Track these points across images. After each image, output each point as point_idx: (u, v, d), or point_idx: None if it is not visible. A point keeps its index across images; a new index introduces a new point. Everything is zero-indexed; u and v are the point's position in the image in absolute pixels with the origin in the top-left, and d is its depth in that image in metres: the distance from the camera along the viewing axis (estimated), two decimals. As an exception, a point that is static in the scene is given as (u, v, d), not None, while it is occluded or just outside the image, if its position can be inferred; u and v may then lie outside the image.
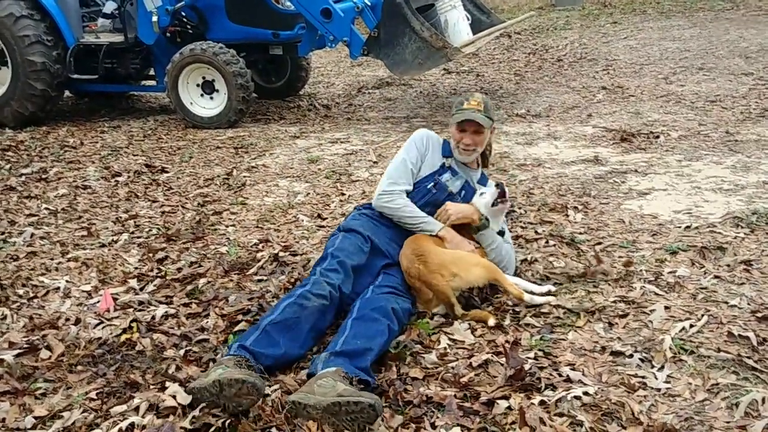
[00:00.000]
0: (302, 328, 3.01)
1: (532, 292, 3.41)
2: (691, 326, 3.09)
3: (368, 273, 3.41)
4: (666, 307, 3.27)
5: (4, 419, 2.73)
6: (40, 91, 8.09)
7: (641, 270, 3.69)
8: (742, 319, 3.12)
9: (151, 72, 9.21)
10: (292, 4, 7.96)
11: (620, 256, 3.89)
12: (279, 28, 8.23)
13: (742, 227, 4.18)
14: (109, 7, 8.71)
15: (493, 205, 3.59)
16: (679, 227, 4.25)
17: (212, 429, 2.52)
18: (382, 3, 7.19)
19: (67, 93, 9.51)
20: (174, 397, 2.72)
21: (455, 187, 3.70)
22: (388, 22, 7.11)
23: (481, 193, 3.67)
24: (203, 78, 7.88)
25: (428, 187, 3.67)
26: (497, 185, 3.62)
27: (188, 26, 8.27)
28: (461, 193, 3.72)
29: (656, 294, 3.43)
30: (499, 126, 7.30)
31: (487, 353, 2.96)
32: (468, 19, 8.12)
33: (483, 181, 3.90)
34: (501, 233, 3.64)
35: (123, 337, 3.26)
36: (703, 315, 3.18)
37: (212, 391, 2.56)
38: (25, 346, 3.24)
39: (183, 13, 8.20)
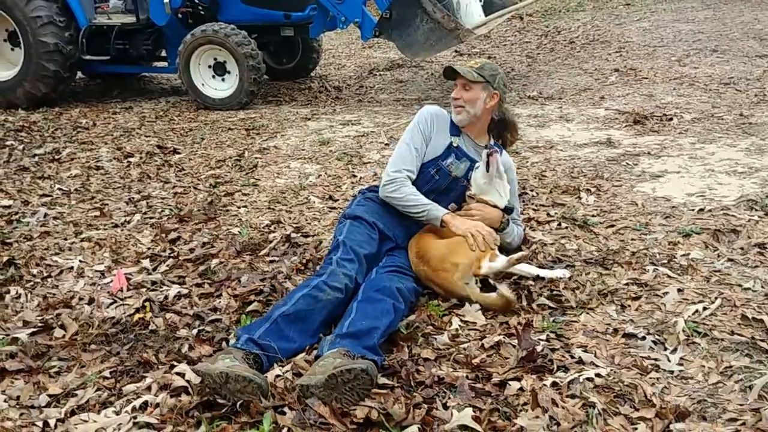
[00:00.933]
0: (314, 320, 2.97)
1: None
2: (705, 309, 3.08)
3: (377, 260, 3.40)
4: (679, 290, 3.26)
5: (18, 397, 2.75)
6: (52, 72, 8.10)
7: (654, 252, 3.67)
8: (756, 302, 3.11)
9: (163, 53, 9.20)
10: (304, -15, 7.94)
11: (633, 239, 3.88)
12: (290, 10, 8.20)
13: (756, 210, 4.15)
14: (122, -12, 8.72)
15: (487, 168, 3.46)
16: (693, 210, 4.23)
17: (224, 408, 2.54)
18: (394, -16, 7.16)
19: (79, 74, 9.52)
20: (182, 375, 2.74)
21: (460, 171, 3.59)
22: (400, 4, 7.07)
23: (477, 167, 3.55)
24: (215, 59, 7.87)
25: (431, 173, 3.58)
26: (486, 146, 3.54)
27: (200, 7, 8.26)
28: (468, 175, 3.60)
29: (669, 276, 3.41)
30: (511, 108, 7.25)
31: (499, 335, 2.96)
32: (480, 1, 8.07)
33: None
34: (509, 210, 3.59)
35: (136, 317, 3.27)
36: (716, 298, 3.16)
37: (217, 381, 2.55)
38: (40, 325, 3.26)
39: (195, -6, 8.19)
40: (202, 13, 8.27)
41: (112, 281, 3.71)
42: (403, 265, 3.36)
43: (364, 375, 2.52)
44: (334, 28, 8.38)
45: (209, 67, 7.93)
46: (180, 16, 8.27)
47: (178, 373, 2.76)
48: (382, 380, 2.68)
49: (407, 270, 3.35)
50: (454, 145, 3.60)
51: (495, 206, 3.53)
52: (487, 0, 8.52)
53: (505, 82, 3.67)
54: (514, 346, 2.87)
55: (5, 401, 2.72)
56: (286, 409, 2.51)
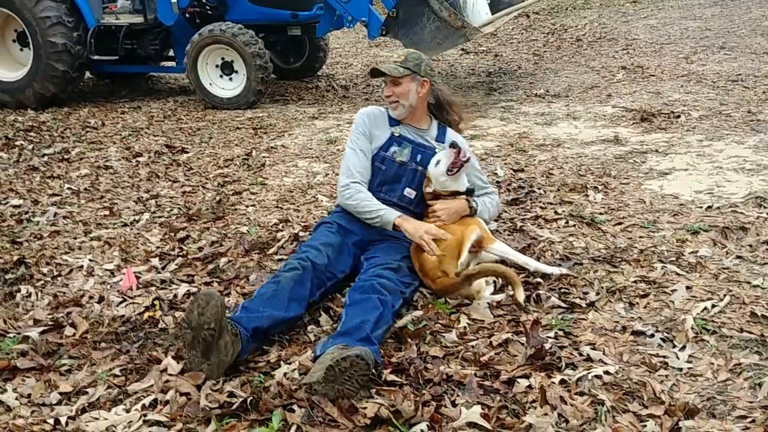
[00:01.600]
0: (282, 296, 3.02)
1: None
2: (714, 306, 3.08)
3: (343, 250, 3.44)
4: (687, 287, 3.26)
5: (29, 395, 2.77)
6: (61, 72, 8.14)
7: (662, 250, 3.67)
8: (765, 300, 3.11)
9: (171, 53, 9.23)
10: (310, -16, 7.95)
11: (641, 236, 3.88)
12: (298, 9, 8.22)
13: (764, 207, 4.14)
14: (130, -12, 8.74)
15: (449, 171, 3.51)
16: (701, 207, 4.22)
17: (234, 405, 2.55)
18: (400, -17, 7.16)
19: (87, 74, 9.55)
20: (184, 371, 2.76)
21: (404, 155, 3.64)
22: (407, 2, 7.07)
23: (437, 162, 3.55)
24: (222, 59, 7.90)
25: (378, 165, 3.64)
26: (452, 145, 3.52)
27: (207, 7, 8.28)
28: (416, 158, 3.64)
29: (677, 274, 3.41)
30: (518, 106, 7.27)
31: (507, 332, 2.97)
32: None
33: (441, 137, 3.75)
34: (470, 192, 3.63)
35: (146, 315, 3.29)
36: (725, 295, 3.16)
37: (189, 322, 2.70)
38: (50, 323, 3.28)
39: (202, -6, 8.22)
40: (210, 12, 8.29)
41: (121, 280, 3.73)
42: (384, 262, 3.34)
43: (360, 360, 2.55)
44: (341, 27, 8.39)
45: (217, 66, 7.96)
46: (188, 15, 8.29)
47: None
48: (391, 377, 2.69)
49: (391, 264, 3.33)
50: (396, 134, 3.68)
51: (456, 192, 3.58)
52: (493, -1, 8.52)
53: (432, 66, 3.70)
54: (522, 344, 2.87)
55: (17, 399, 2.74)
56: (294, 407, 2.52)
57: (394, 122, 3.71)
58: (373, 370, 2.68)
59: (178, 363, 2.83)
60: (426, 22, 7.01)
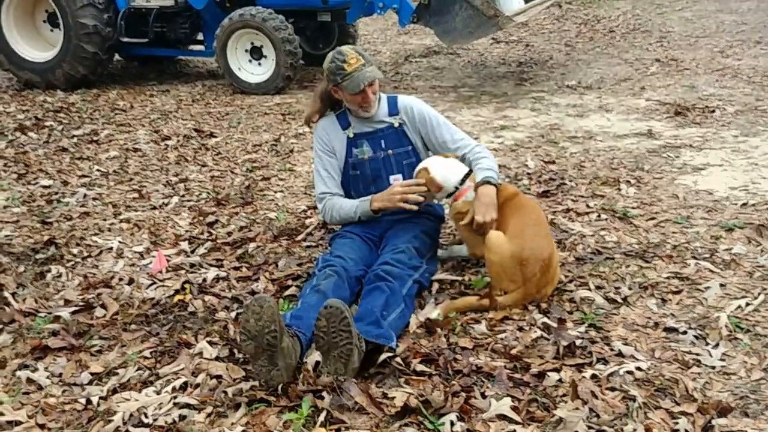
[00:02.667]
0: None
1: None
2: (748, 305, 3.03)
3: (363, 250, 3.40)
4: (721, 285, 3.21)
5: (60, 374, 2.80)
6: (91, 53, 8.17)
7: (696, 246, 3.62)
8: (802, 299, 3.05)
9: (200, 37, 9.24)
10: (342, -30, 7.91)
11: (674, 232, 3.83)
12: (328, -6, 8.19)
13: (801, 206, 4.07)
14: (160, -29, 8.75)
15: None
16: (736, 204, 4.15)
17: (264, 391, 2.55)
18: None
19: (116, 56, 9.59)
20: (221, 359, 2.77)
21: (368, 152, 3.54)
22: (440, -10, 7.01)
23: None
24: (252, 44, 7.89)
25: (352, 173, 3.58)
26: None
27: (237, -9, 8.27)
28: (380, 145, 3.54)
29: (711, 271, 3.36)
30: (549, 97, 7.20)
31: (538, 327, 2.94)
32: (520, -13, 7.98)
33: (393, 108, 3.57)
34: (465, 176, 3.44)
35: (176, 298, 3.30)
36: (759, 293, 3.11)
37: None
38: (81, 304, 3.31)
39: (233, -22, 8.21)
40: (240, -4, 8.29)
41: (152, 262, 3.75)
42: (391, 248, 3.32)
43: (333, 309, 2.57)
44: (371, 13, 8.33)
45: (246, 51, 7.95)
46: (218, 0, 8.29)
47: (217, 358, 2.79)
48: (420, 367, 2.68)
49: (398, 247, 3.30)
50: (350, 137, 3.58)
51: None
52: (527, -13, 8.42)
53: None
54: (548, 339, 2.84)
55: (48, 378, 2.77)
56: (324, 394, 2.51)
57: (345, 123, 3.59)
58: (390, 354, 2.70)
59: (212, 347, 2.84)
60: (458, 11, 6.94)
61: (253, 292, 3.37)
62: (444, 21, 7.10)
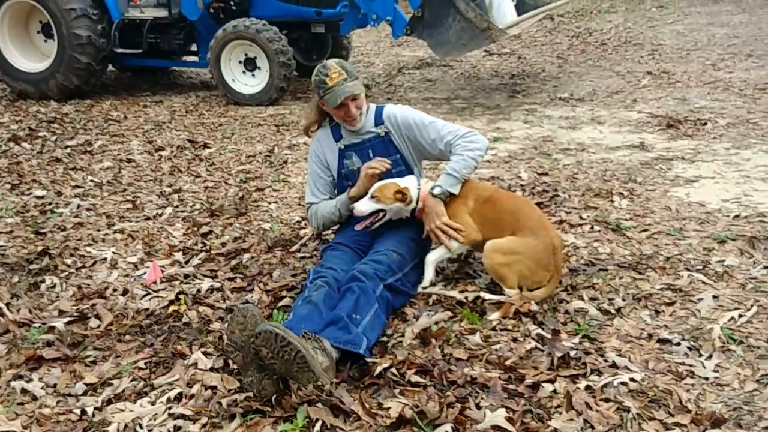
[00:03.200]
0: (318, 312, 2.97)
1: None
2: (740, 316, 3.05)
3: (354, 261, 3.39)
4: (714, 296, 3.23)
5: (55, 384, 2.79)
6: (85, 64, 8.18)
7: (689, 258, 3.64)
8: (794, 311, 3.07)
9: (193, 48, 9.25)
10: (337, -18, 7.95)
11: (666, 244, 3.85)
12: (322, 7, 8.22)
13: (792, 218, 4.10)
14: (154, -18, 8.79)
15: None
16: (728, 216, 4.18)
17: (258, 402, 2.55)
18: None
19: (109, 67, 9.60)
20: (216, 369, 2.77)
21: (356, 163, 3.56)
22: (433, 2, 7.04)
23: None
24: (245, 55, 7.91)
25: (346, 185, 3.61)
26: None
27: (232, 3, 8.29)
28: (368, 155, 3.56)
29: (704, 283, 3.38)
30: (541, 109, 7.24)
31: (532, 338, 2.95)
32: (513, 1, 8.04)
33: (378, 118, 3.58)
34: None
35: (171, 309, 3.30)
36: (752, 305, 3.13)
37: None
38: (75, 314, 3.30)
39: (227, -10, 8.24)
40: (234, 8, 8.31)
41: (144, 273, 3.75)
42: (373, 252, 3.36)
43: (264, 335, 2.53)
44: (365, 25, 8.39)
45: (240, 62, 7.98)
46: (212, 11, 8.32)
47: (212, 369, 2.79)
48: (415, 378, 2.69)
49: (379, 250, 3.33)
50: (341, 148, 3.61)
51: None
52: (519, 0, 8.48)
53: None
54: (542, 350, 2.85)
55: (42, 389, 2.76)
56: (319, 405, 2.51)
57: (337, 135, 3.62)
58: (385, 366, 2.71)
59: (207, 358, 2.84)
60: (452, 23, 6.98)
61: (246, 303, 3.38)
62: (437, 33, 7.14)
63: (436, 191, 3.40)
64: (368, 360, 2.77)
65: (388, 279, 3.17)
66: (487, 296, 3.27)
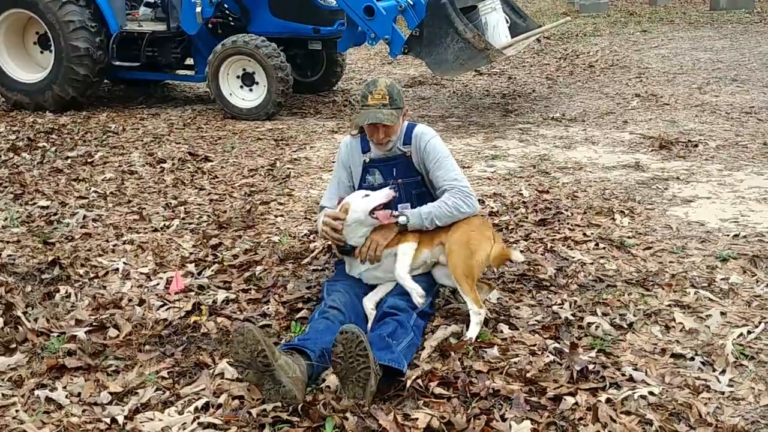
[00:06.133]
0: (335, 327, 2.97)
1: None
2: (749, 332, 3.14)
3: (356, 302, 3.37)
4: (722, 313, 3.32)
5: (79, 393, 2.81)
6: (82, 76, 8.18)
7: (694, 275, 3.74)
8: (800, 328, 3.17)
9: (189, 62, 9.28)
10: (335, 0, 8.03)
11: (671, 261, 3.95)
12: (320, 24, 8.30)
13: (791, 238, 4.22)
14: (152, -4, 8.83)
15: (371, 213, 3.32)
16: (728, 235, 4.29)
17: (287, 412, 2.59)
18: (426, 3, 7.24)
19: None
20: (241, 379, 2.81)
21: (378, 179, 3.59)
22: (432, 22, 7.15)
23: (366, 195, 3.40)
24: (244, 70, 7.96)
25: None
26: (392, 187, 3.42)
27: (230, 18, 8.35)
28: (392, 173, 3.58)
29: (710, 300, 3.48)
30: (535, 129, 7.35)
31: (550, 352, 3.02)
32: (507, 22, 8.18)
33: (408, 138, 3.59)
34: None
35: (192, 319, 3.33)
36: (760, 322, 3.23)
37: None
38: (94, 324, 3.32)
39: (226, 5, 8.30)
40: (233, 23, 8.38)
41: (158, 284, 3.79)
42: (395, 290, 3.36)
43: (349, 335, 2.64)
44: (362, 43, 8.47)
45: (238, 77, 8.02)
46: (210, 26, 8.37)
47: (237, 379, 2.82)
48: (438, 390, 2.75)
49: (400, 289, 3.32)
50: (367, 161, 3.64)
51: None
52: (512, 22, 8.62)
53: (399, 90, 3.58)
54: (560, 364, 2.92)
55: (67, 397, 2.78)
56: (348, 415, 2.56)
57: (365, 147, 3.65)
58: (399, 378, 2.78)
59: (232, 368, 2.87)
60: (450, 43, 7.08)
61: (264, 314, 3.42)
62: (435, 52, 7.23)
63: (402, 220, 3.37)
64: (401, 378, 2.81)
65: (418, 308, 3.21)
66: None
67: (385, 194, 3.34)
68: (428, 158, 3.56)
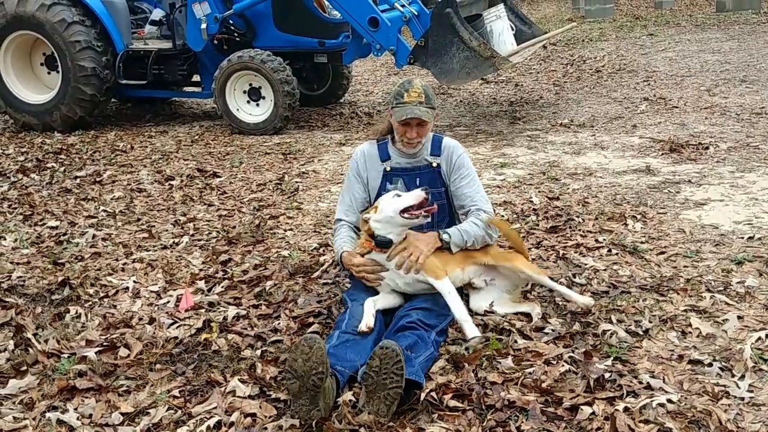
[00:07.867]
0: (365, 343, 3.03)
1: None
2: (767, 336, 3.09)
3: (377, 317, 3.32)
4: (739, 317, 3.27)
5: (91, 415, 2.79)
6: (89, 95, 8.22)
7: (709, 279, 3.69)
8: (820, 331, 3.11)
9: (195, 78, 9.30)
10: (339, 13, 8.04)
11: (685, 266, 3.90)
12: (325, 37, 8.31)
13: (806, 239, 4.16)
14: (157, 14, 8.87)
15: (403, 213, 3.24)
16: (742, 238, 4.24)
17: (300, 428, 2.56)
18: (430, 13, 7.24)
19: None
20: (253, 397, 2.78)
21: (402, 188, 3.50)
22: (437, 32, 7.14)
23: (396, 195, 3.33)
24: (250, 85, 7.97)
25: None
26: (424, 189, 3.28)
27: (235, 34, 8.38)
28: (415, 182, 3.52)
29: (727, 304, 3.42)
30: (543, 135, 7.32)
31: (564, 361, 2.97)
32: (512, 30, 8.16)
33: (436, 149, 3.58)
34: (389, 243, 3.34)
35: (203, 336, 3.31)
36: (778, 326, 3.18)
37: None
38: (104, 344, 3.30)
39: (231, 21, 8.31)
40: (238, 39, 8.39)
41: (168, 302, 3.77)
42: (413, 305, 3.33)
43: (389, 351, 2.64)
44: (367, 54, 8.48)
45: (244, 92, 8.03)
46: (215, 42, 8.39)
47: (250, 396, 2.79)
48: (453, 403, 2.71)
49: (419, 305, 3.30)
50: (387, 170, 3.60)
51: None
52: (518, 29, 8.60)
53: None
54: (576, 373, 2.88)
55: (78, 419, 2.76)
56: (362, 430, 2.53)
57: (385, 155, 3.60)
58: (415, 391, 2.74)
59: (244, 385, 2.85)
60: (455, 52, 7.07)
61: (275, 330, 3.39)
62: (441, 62, 7.22)
63: (445, 238, 3.38)
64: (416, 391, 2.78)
65: (440, 325, 3.20)
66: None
67: (416, 195, 3.27)
68: (458, 172, 3.56)
